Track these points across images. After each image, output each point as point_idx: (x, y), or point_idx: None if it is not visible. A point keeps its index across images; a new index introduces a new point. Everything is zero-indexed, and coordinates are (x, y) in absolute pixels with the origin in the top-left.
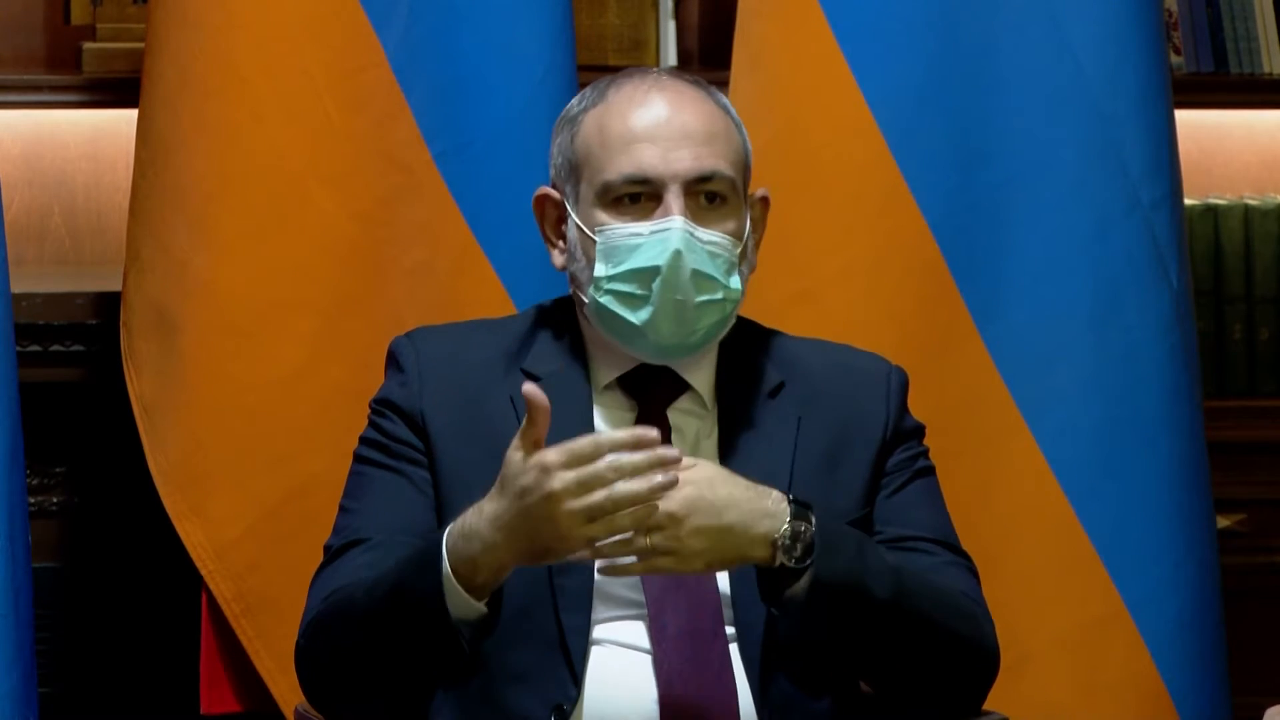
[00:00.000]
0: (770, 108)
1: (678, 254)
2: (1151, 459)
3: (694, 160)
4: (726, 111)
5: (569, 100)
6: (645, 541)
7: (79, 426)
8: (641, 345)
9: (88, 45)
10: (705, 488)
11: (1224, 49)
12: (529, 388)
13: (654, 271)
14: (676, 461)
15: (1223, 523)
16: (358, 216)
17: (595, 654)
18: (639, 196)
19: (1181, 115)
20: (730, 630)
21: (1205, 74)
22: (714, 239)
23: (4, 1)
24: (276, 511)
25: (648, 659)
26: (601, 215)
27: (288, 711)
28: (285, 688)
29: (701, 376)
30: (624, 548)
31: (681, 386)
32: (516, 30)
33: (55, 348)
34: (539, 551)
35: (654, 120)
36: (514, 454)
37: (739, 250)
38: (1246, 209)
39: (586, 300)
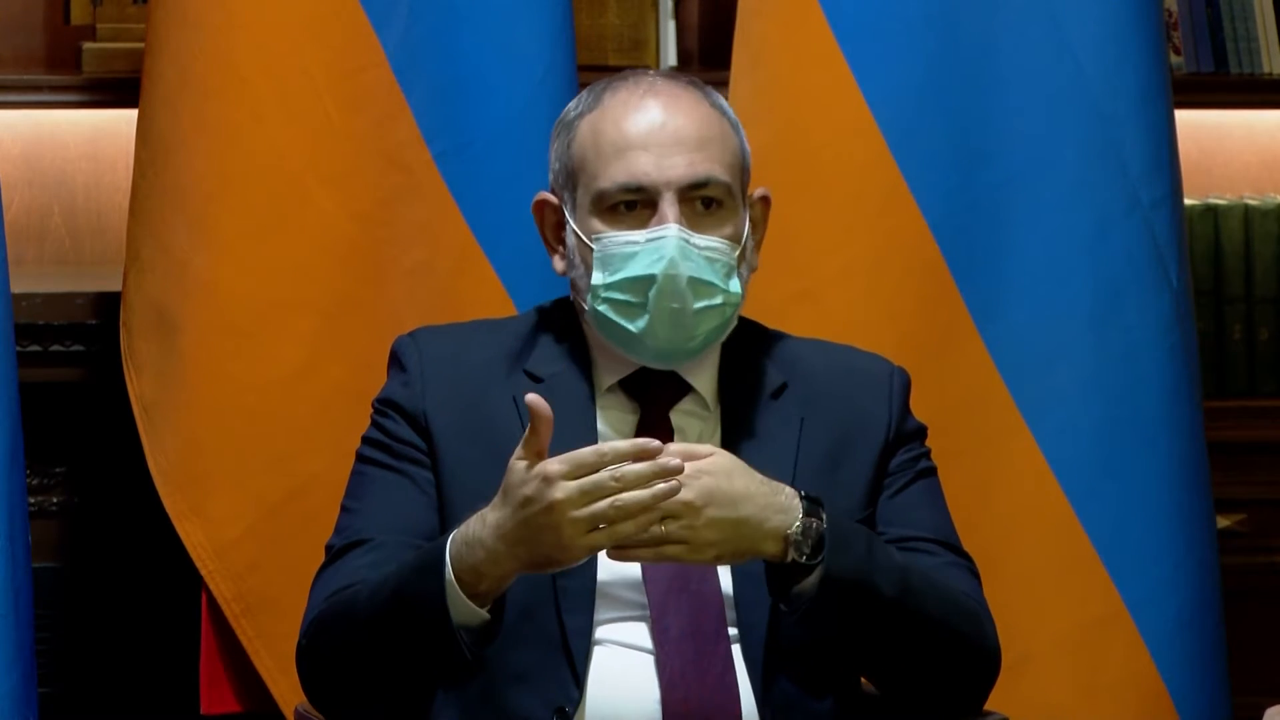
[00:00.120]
0: (770, 108)
1: (673, 262)
2: (1151, 459)
3: (688, 167)
4: (723, 113)
5: (569, 100)
6: (660, 529)
7: (79, 426)
8: (641, 352)
9: (88, 45)
10: (723, 479)
11: (1224, 49)
12: (532, 397)
13: (649, 280)
14: (679, 471)
15: (1223, 523)
16: (358, 216)
17: (597, 655)
18: (634, 204)
19: (1181, 115)
20: (733, 631)
21: (1205, 74)
22: (710, 244)
23: (4, 1)
24: (276, 511)
25: (650, 660)
26: (597, 223)
27: (288, 711)
28: (285, 688)
29: (704, 378)
30: (651, 520)
31: (684, 388)
32: (516, 30)
33: (55, 348)
34: (541, 560)
35: (648, 127)
36: (517, 463)
37: (737, 253)
38: (1246, 209)
39: (586, 307)
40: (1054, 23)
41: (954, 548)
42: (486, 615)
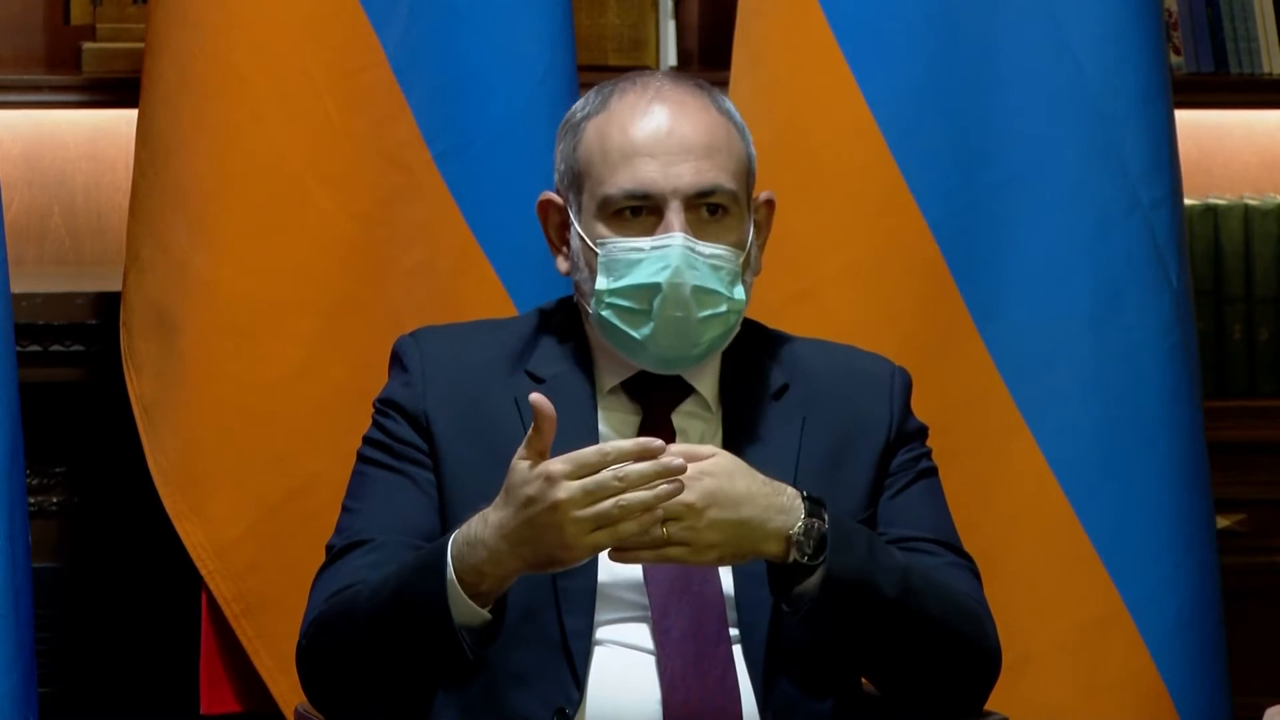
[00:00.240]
0: (770, 108)
1: (678, 271)
2: (1151, 459)
3: (694, 175)
4: (730, 119)
5: (569, 100)
6: (662, 531)
7: (79, 426)
8: (644, 359)
9: (88, 45)
10: (724, 480)
11: (1224, 49)
12: (536, 397)
13: (654, 289)
14: (681, 470)
15: (1223, 523)
16: (358, 216)
17: (598, 656)
18: (640, 210)
19: (1181, 115)
20: (734, 632)
21: (1205, 74)
22: (716, 252)
23: (4, 1)
24: (276, 511)
25: (651, 661)
26: (602, 228)
27: (288, 711)
28: (285, 688)
29: (706, 380)
30: (638, 537)
31: (686, 390)
32: (516, 30)
33: (55, 348)
34: (544, 560)
35: (654, 133)
36: (519, 463)
37: (742, 260)
38: (1246, 209)
39: (589, 310)
40: (1054, 23)
41: (955, 548)
42: (488, 615)
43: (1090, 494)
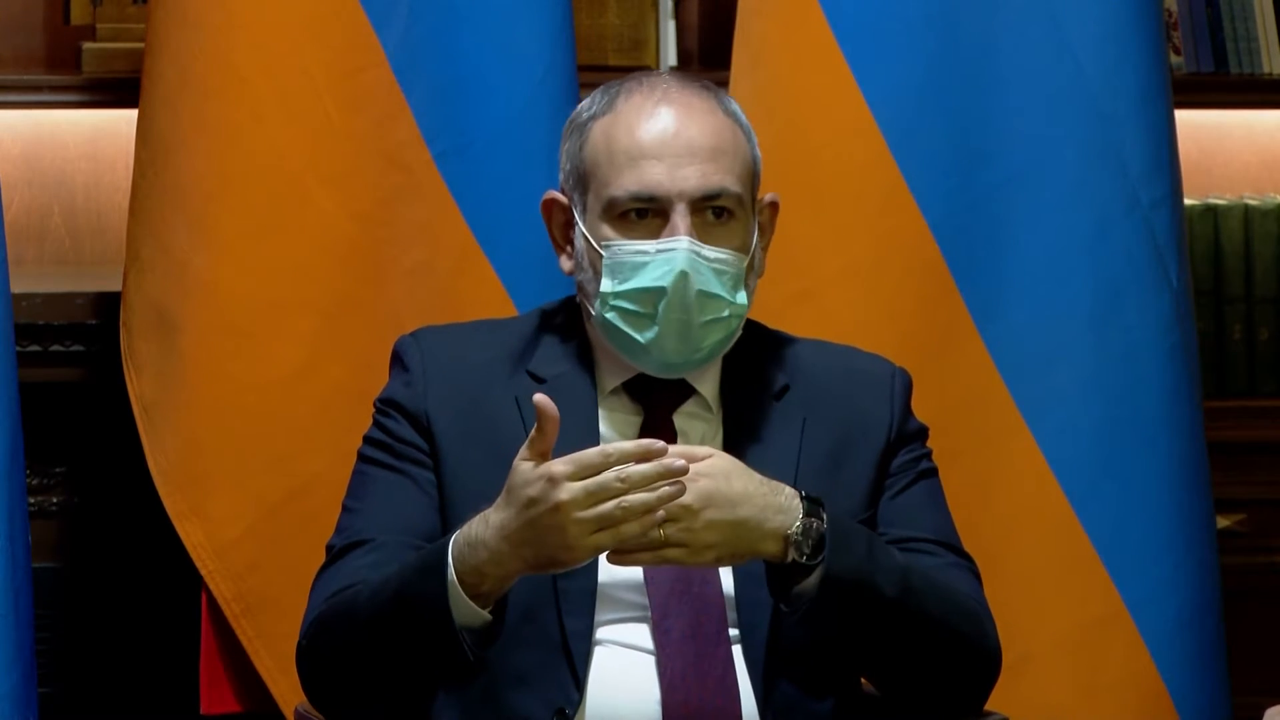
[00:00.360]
0: (770, 108)
1: (683, 275)
2: (1151, 459)
3: (700, 178)
4: (736, 120)
5: (569, 100)
6: (659, 533)
7: (79, 426)
8: (646, 361)
9: (88, 45)
10: (721, 481)
11: (1224, 49)
12: (540, 398)
13: (659, 293)
14: (683, 472)
15: (1223, 523)
16: (358, 216)
17: (598, 656)
18: (645, 212)
19: (1181, 115)
20: (734, 632)
21: (1205, 74)
22: (721, 256)
23: (4, 1)
24: (276, 511)
25: (651, 661)
26: (608, 230)
27: (288, 711)
28: (285, 688)
29: (707, 381)
30: (637, 539)
31: (687, 391)
32: (516, 30)
33: (55, 348)
34: (545, 561)
35: (661, 135)
36: (521, 464)
37: (746, 263)
38: (1246, 209)
39: (593, 312)
40: (1054, 23)
41: (955, 548)
42: (488, 616)
43: (1090, 494)
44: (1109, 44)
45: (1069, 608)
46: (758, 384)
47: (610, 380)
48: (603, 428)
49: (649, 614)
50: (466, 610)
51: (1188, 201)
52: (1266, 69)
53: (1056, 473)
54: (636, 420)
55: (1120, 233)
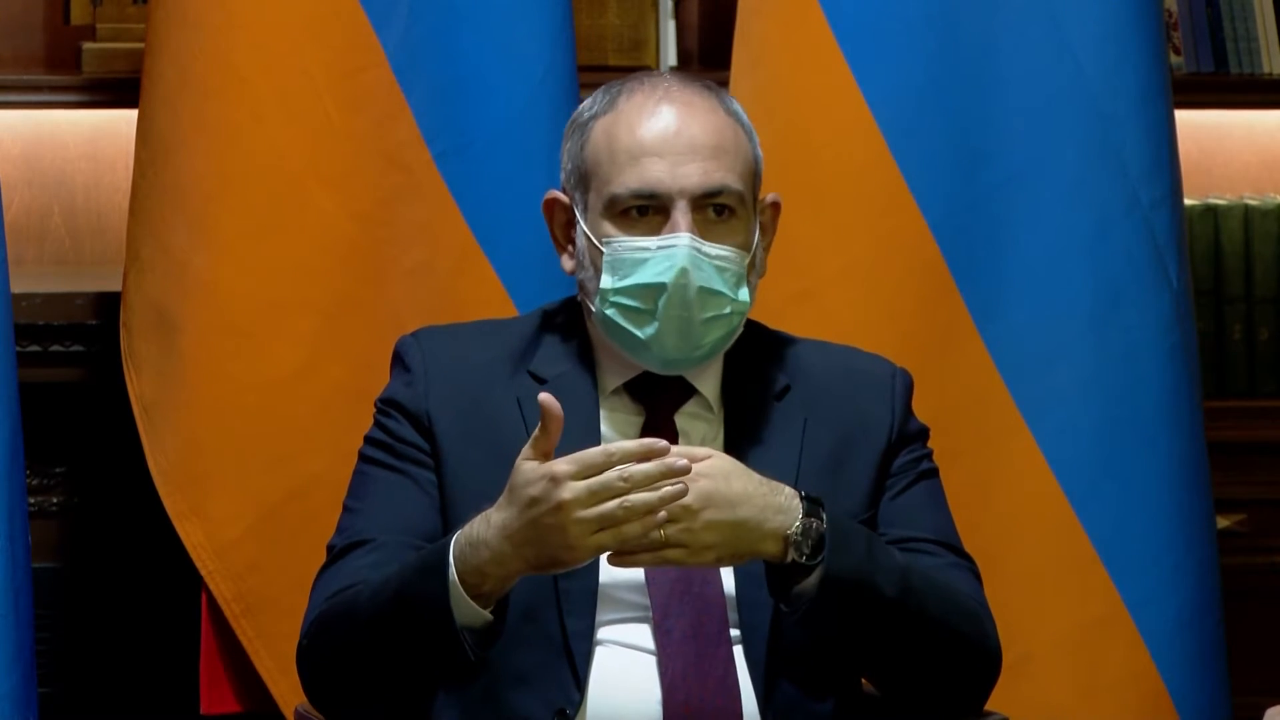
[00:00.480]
0: (770, 108)
1: (684, 271)
2: (1151, 459)
3: (702, 176)
4: (737, 120)
5: (569, 100)
6: (659, 534)
7: (79, 426)
8: (647, 358)
9: (88, 45)
10: (720, 481)
11: (1224, 49)
12: (545, 397)
13: (660, 289)
14: (686, 471)
15: (1223, 523)
16: (358, 216)
17: (599, 656)
18: (647, 209)
19: (1181, 115)
20: (735, 633)
21: (1205, 74)
22: (722, 253)
23: (4, 1)
24: (276, 511)
25: (651, 661)
26: (609, 227)
27: (288, 711)
28: (285, 688)
29: (708, 381)
30: (638, 540)
31: (688, 391)
32: (516, 30)
33: (55, 348)
34: (546, 561)
35: (662, 133)
36: (524, 463)
37: (747, 261)
38: (1246, 209)
39: (594, 309)
40: (1054, 23)
41: (955, 549)
42: (489, 616)
43: (1090, 494)
44: (1109, 44)
45: (1069, 608)
46: (759, 384)
47: (611, 380)
48: (604, 428)
49: (650, 614)
50: (468, 610)
51: (1188, 201)
52: (1266, 69)
53: (1056, 473)
54: (638, 420)
55: (1120, 233)
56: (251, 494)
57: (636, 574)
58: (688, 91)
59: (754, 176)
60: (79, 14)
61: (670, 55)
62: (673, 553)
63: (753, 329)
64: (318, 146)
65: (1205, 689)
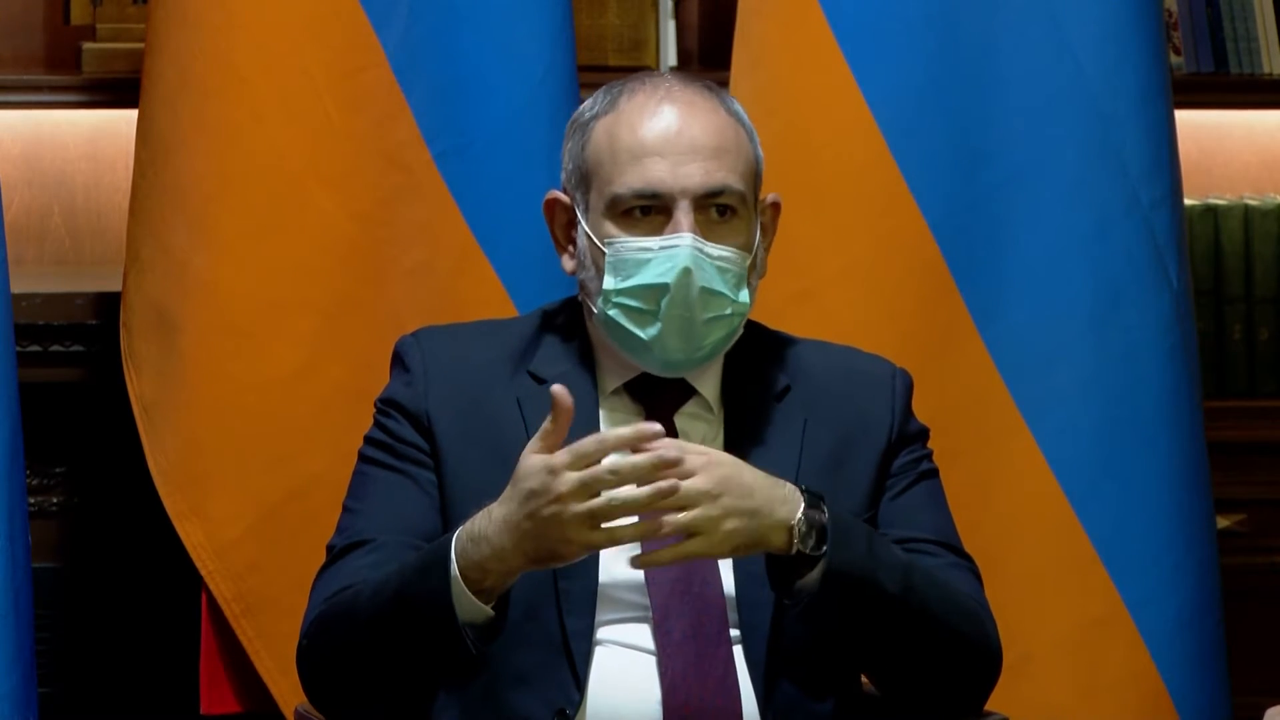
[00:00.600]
0: (770, 108)
1: (686, 271)
2: (1151, 459)
3: (704, 175)
4: (738, 120)
5: (569, 100)
6: (679, 518)
7: (79, 426)
8: (648, 359)
9: (88, 45)
10: (733, 468)
11: (1224, 49)
12: (557, 389)
13: (662, 289)
14: (677, 463)
15: (1223, 523)
16: (358, 216)
17: (599, 656)
18: (649, 210)
19: (1181, 115)
20: (735, 632)
21: (1205, 74)
22: (724, 253)
23: (4, 1)
24: (276, 511)
25: (651, 661)
26: (611, 227)
27: (288, 711)
28: (285, 688)
29: (708, 381)
30: (653, 529)
31: (688, 391)
32: (516, 30)
33: (55, 348)
34: (544, 555)
35: (664, 133)
36: (529, 456)
37: (748, 262)
38: (1246, 209)
39: (595, 310)
40: (1054, 23)
41: (956, 549)
42: (491, 612)
43: (1090, 494)
44: (1109, 44)
45: (1069, 608)
46: (759, 384)
47: (611, 381)
48: (604, 428)
49: (650, 614)
50: (469, 606)
51: (1188, 201)
52: (1266, 69)
53: (1056, 473)
54: (638, 420)
55: (1120, 233)
56: (251, 494)
57: (636, 574)
58: (689, 92)
59: (755, 177)
60: (79, 14)
61: (670, 55)
62: (693, 544)
63: (753, 329)
64: (318, 146)
65: (1205, 689)
